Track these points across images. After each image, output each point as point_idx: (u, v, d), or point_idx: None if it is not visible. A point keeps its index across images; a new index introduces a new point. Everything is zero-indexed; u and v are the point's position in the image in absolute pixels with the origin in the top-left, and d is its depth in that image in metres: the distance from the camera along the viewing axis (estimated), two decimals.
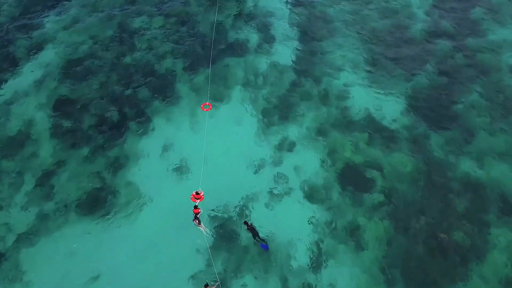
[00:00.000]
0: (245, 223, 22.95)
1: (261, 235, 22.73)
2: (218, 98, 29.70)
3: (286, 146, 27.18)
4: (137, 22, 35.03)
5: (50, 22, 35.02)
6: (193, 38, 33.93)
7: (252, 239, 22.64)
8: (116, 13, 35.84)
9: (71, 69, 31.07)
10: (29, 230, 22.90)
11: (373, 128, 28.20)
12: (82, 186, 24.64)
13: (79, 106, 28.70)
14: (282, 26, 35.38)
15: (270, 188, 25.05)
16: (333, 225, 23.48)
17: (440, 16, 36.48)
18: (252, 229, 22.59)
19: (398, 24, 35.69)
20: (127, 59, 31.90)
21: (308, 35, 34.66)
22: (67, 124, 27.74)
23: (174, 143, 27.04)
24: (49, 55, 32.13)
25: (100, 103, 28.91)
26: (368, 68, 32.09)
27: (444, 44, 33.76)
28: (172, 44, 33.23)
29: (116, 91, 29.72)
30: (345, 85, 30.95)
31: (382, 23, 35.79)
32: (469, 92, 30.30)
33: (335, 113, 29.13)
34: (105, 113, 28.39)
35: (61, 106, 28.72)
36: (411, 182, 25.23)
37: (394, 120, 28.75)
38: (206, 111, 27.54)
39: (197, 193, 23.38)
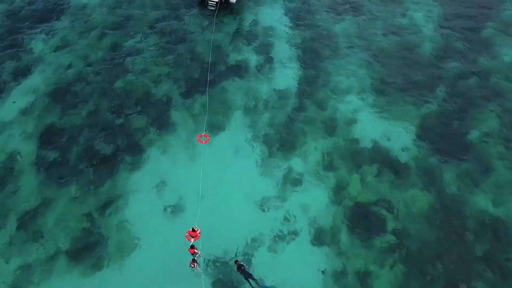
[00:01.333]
0: (236, 262, 21.05)
1: (265, 283, 20.85)
2: (216, 126, 27.78)
3: (291, 180, 25.29)
4: (130, 42, 33.06)
5: (38, 42, 32.97)
6: (189, 59, 31.98)
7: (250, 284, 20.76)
8: (108, 32, 33.85)
9: (60, 95, 29.03)
10: (11, 284, 20.83)
11: (382, 159, 26.36)
12: (70, 230, 22.61)
13: (67, 137, 26.67)
14: (283, 46, 33.52)
15: (274, 229, 23.15)
16: (343, 272, 21.59)
17: (449, 34, 34.76)
18: (243, 272, 20.68)
19: (405, 43, 33.91)
20: (119, 83, 29.91)
21: (310, 56, 32.81)
22: (53, 156, 25.72)
23: (169, 178, 25.07)
24: (36, 79, 30.08)
25: (89, 133, 26.91)
26: (375, 93, 30.27)
27: (454, 65, 32.00)
28: (167, 67, 31.27)
29: (107, 119, 27.72)
30: (351, 111, 29.12)
31: (389, 42, 34.00)
32: (483, 119, 28.56)
33: (341, 142, 27.27)
34: (95, 144, 26.40)
35: (48, 137, 26.69)
36: (425, 222, 23.40)
37: (404, 150, 26.93)
38: (203, 143, 25.62)
39: (193, 230, 21.55)
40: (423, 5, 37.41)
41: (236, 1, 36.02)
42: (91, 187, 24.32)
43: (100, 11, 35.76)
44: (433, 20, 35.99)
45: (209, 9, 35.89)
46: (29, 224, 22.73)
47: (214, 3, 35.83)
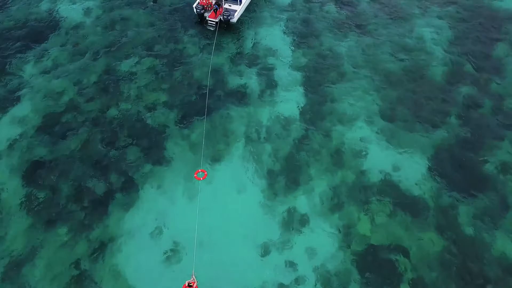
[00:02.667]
0: None
1: None
2: (215, 158, 26.13)
3: (296, 220, 23.63)
4: (124, 65, 31.36)
5: (27, 65, 31.31)
6: (186, 84, 30.31)
7: None
8: (101, 54, 32.16)
9: (49, 124, 27.37)
10: None
11: (393, 195, 24.72)
12: (59, 280, 20.90)
13: (56, 173, 25.00)
14: (285, 68, 31.85)
15: (277, 277, 21.47)
16: None
17: (459, 54, 33.12)
18: None
19: (414, 65, 32.25)
20: (113, 112, 28.22)
21: (314, 79, 31.14)
22: (42, 195, 24.04)
23: (165, 219, 23.41)
24: (25, 107, 28.42)
25: (80, 168, 25.22)
26: (384, 119, 28.61)
27: (466, 90, 30.36)
28: (163, 92, 29.60)
29: (99, 152, 26.04)
30: (358, 140, 27.46)
31: (396, 64, 32.34)
32: (499, 148, 26.93)
33: (349, 176, 25.62)
34: (87, 181, 24.71)
35: (36, 172, 25.03)
36: (442, 269, 21.72)
37: (416, 185, 25.28)
38: (200, 180, 23.98)
39: (189, 285, 19.93)
40: (431, 24, 35.73)
41: (236, 21, 34.36)
42: (82, 229, 22.63)
43: (93, 31, 34.07)
44: (442, 40, 34.30)
45: (208, 29, 34.22)
46: (15, 275, 21.01)
47: (214, 23, 34.16)
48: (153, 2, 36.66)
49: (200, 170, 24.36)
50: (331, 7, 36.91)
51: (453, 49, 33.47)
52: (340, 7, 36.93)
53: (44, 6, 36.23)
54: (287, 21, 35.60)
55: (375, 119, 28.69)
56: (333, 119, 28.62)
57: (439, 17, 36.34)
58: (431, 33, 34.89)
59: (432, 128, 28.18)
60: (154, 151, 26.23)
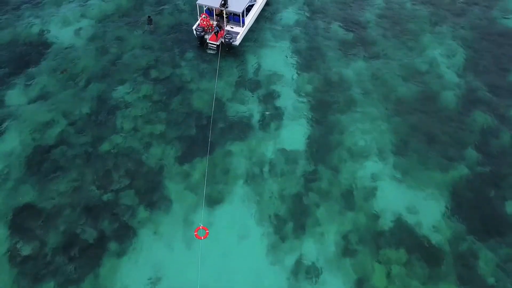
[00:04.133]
0: None
1: None
2: (217, 200, 24.23)
3: (305, 270, 21.74)
4: (119, 93, 29.41)
5: (14, 93, 29.35)
6: (186, 114, 28.40)
7: None
8: (93, 80, 30.20)
9: (37, 162, 25.40)
10: None
11: (409, 242, 22.86)
12: None
13: (44, 219, 23.03)
14: (290, 95, 29.95)
15: None
16: None
17: (474, 77, 31.33)
18: None
19: (427, 90, 30.41)
20: (106, 147, 26.27)
21: (321, 107, 29.26)
22: (27, 249, 21.94)
23: (163, 270, 21.47)
24: (10, 142, 26.45)
25: (70, 214, 23.27)
26: (396, 153, 26.78)
27: (483, 119, 28.54)
28: (160, 124, 27.66)
29: (90, 195, 24.09)
30: (370, 177, 25.60)
31: (408, 89, 30.49)
32: None
33: (361, 219, 23.75)
34: (77, 228, 22.77)
35: (22, 219, 23.04)
36: None
37: (434, 229, 23.42)
38: (201, 239, 22.08)
39: None
40: (443, 44, 33.90)
41: (239, 44, 32.41)
42: (71, 285, 20.70)
43: (86, 54, 32.08)
44: (454, 63, 32.48)
45: (209, 53, 32.24)
46: None
47: (215, 46, 32.18)
48: (148, 23, 34.67)
49: (201, 227, 22.44)
50: (338, 27, 35.03)
51: (466, 73, 31.66)
52: (347, 27, 35.04)
53: (35, 28, 34.20)
54: (291, 42, 33.68)
55: (387, 153, 26.84)
56: (342, 153, 26.74)
57: (451, 38, 34.52)
58: (443, 55, 33.08)
59: (448, 162, 26.34)
60: (151, 192, 24.30)
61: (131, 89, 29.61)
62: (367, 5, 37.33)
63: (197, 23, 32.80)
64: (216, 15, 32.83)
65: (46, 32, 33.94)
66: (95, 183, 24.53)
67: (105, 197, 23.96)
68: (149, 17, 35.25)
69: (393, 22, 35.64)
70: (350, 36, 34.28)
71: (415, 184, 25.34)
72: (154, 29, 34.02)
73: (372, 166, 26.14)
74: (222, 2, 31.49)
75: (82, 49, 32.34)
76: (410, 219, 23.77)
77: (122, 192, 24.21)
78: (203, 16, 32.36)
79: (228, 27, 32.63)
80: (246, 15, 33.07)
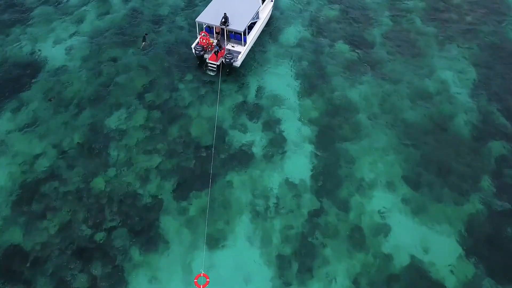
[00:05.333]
0: None
1: None
2: (218, 240, 22.69)
3: None
4: (112, 120, 27.81)
5: (2, 120, 27.72)
6: (184, 143, 26.82)
7: None
8: (86, 105, 28.60)
9: (25, 199, 23.82)
10: None
11: (423, 285, 21.34)
12: None
13: (31, 262, 21.44)
14: (293, 121, 28.39)
15: None
16: None
17: (487, 100, 29.85)
18: None
19: (437, 115, 28.89)
20: (98, 181, 24.67)
21: (326, 134, 27.71)
22: None
23: None
24: None
25: (59, 256, 21.70)
26: (407, 185, 25.26)
27: (499, 145, 27.08)
28: (157, 155, 26.09)
29: (82, 235, 22.51)
30: (380, 213, 24.09)
31: (418, 113, 28.96)
32: None
33: (371, 260, 22.23)
34: (66, 272, 21.19)
35: (8, 261, 21.47)
36: None
37: (449, 270, 21.93)
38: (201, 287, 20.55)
39: None
40: (452, 63, 32.39)
41: (240, 65, 30.84)
42: None
43: (78, 76, 30.47)
44: (466, 83, 30.97)
45: (209, 74, 30.68)
46: None
47: (215, 66, 30.60)
48: (143, 41, 33.11)
49: (201, 275, 20.88)
50: (342, 46, 33.47)
51: (479, 94, 30.16)
52: (352, 46, 33.48)
53: (26, 47, 32.60)
54: (294, 62, 32.11)
55: (397, 185, 25.31)
56: (349, 185, 25.21)
57: (461, 56, 33.01)
58: (454, 75, 31.56)
59: (462, 196, 24.83)
60: (146, 232, 22.73)
61: (125, 116, 28.02)
62: (373, 22, 35.79)
63: (196, 41, 31.22)
64: (216, 32, 31.25)
65: (37, 52, 32.32)
66: (86, 221, 22.94)
67: (97, 237, 22.38)
68: (146, 34, 33.70)
69: (400, 40, 34.10)
70: (355, 55, 32.74)
71: (428, 220, 23.84)
72: (144, 48, 32.40)
73: (381, 200, 24.62)
74: (223, 20, 29.92)
75: (74, 71, 30.73)
76: (423, 259, 22.28)
77: (115, 231, 22.65)
78: (202, 34, 30.80)
79: (229, 46, 31.01)
80: (248, 33, 31.46)
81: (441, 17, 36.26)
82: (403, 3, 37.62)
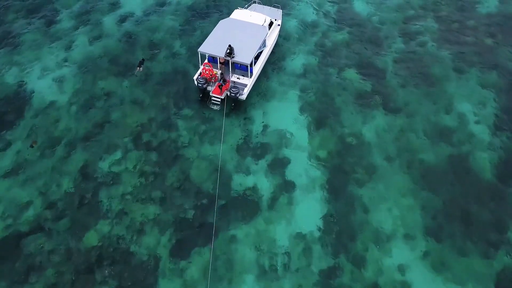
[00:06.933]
0: None
1: None
2: None
3: None
4: (105, 164, 25.51)
5: None
6: (183, 190, 24.54)
7: None
8: (76, 146, 26.29)
9: (8, 259, 21.51)
10: None
11: None
12: None
13: None
14: (302, 163, 26.14)
15: None
16: None
17: (510, 134, 27.58)
18: None
19: (457, 154, 26.71)
20: (89, 237, 22.38)
21: (339, 178, 25.49)
22: None
23: None
24: None
25: None
26: (428, 237, 23.07)
27: None
28: (153, 205, 23.81)
29: None
30: (399, 269, 21.90)
31: (436, 153, 26.76)
32: None
33: None
34: None
35: None
36: None
37: None
38: None
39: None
40: (470, 93, 30.23)
41: (246, 98, 28.52)
42: None
43: (69, 113, 28.15)
44: (486, 117, 28.77)
45: (212, 108, 28.35)
46: None
47: (219, 101, 28.28)
48: (139, 65, 30.88)
49: None
50: (352, 74, 31.23)
51: (501, 129, 27.99)
52: (362, 74, 31.24)
53: (11, 78, 30.28)
54: (301, 93, 29.84)
55: (417, 237, 23.11)
56: (364, 238, 22.98)
57: (480, 84, 30.86)
58: (472, 107, 29.40)
59: (489, 248, 22.66)
60: None
61: (118, 158, 25.73)
62: (384, 46, 33.57)
63: (199, 72, 28.88)
64: (220, 62, 28.79)
65: (24, 83, 29.99)
66: (74, 285, 20.62)
67: None
68: (142, 59, 31.47)
69: (414, 67, 31.87)
70: (367, 85, 30.48)
71: (452, 277, 21.68)
72: (138, 75, 30.18)
73: (400, 254, 22.42)
74: (228, 51, 27.62)
75: (63, 106, 28.41)
76: None
77: None
78: (205, 65, 28.44)
79: (234, 78, 28.63)
80: (255, 64, 29.07)
81: (456, 40, 34.04)
82: (415, 25, 35.40)
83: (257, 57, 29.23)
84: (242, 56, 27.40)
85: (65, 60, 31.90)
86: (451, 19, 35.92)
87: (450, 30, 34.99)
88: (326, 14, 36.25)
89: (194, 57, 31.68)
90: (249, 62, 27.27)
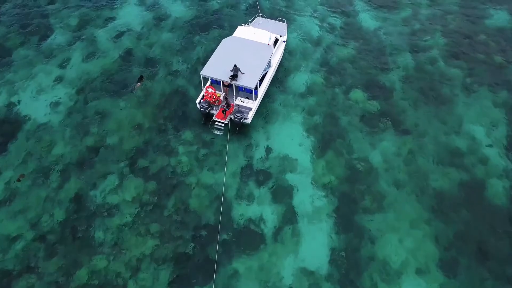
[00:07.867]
0: None
1: None
2: None
3: None
4: (99, 193, 24.22)
5: None
6: (182, 222, 23.25)
7: None
8: (69, 174, 24.99)
9: None
10: None
11: None
12: None
13: None
14: (307, 190, 24.88)
15: None
16: None
17: None
18: None
19: (470, 180, 25.49)
20: (82, 274, 21.08)
21: (346, 207, 24.24)
22: None
23: None
24: None
25: None
26: (442, 272, 21.83)
27: None
28: (151, 238, 22.51)
29: None
30: None
31: (447, 178, 25.52)
32: None
33: None
34: None
35: None
36: None
37: None
38: None
39: None
40: (482, 113, 28.98)
41: (250, 121, 27.18)
42: None
43: (62, 136, 26.86)
44: (499, 137, 27.58)
45: (215, 133, 26.96)
46: None
47: (222, 126, 26.92)
48: (137, 81, 29.62)
49: None
50: (358, 94, 29.95)
51: None
52: (369, 94, 29.98)
53: (2, 98, 28.97)
54: (305, 115, 28.54)
55: (430, 271, 21.86)
56: (373, 272, 21.72)
57: (492, 104, 29.63)
58: (484, 129, 28.15)
59: (507, 285, 21.36)
60: None
61: (114, 186, 24.43)
62: (390, 63, 32.30)
63: (201, 95, 27.55)
64: (224, 85, 27.34)
65: (15, 104, 28.70)
66: None
67: None
68: (141, 76, 30.23)
69: (423, 85, 30.61)
70: (374, 105, 29.22)
71: None
72: (137, 92, 28.96)
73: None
74: (233, 73, 26.34)
75: (57, 129, 27.11)
76: None
77: None
78: (208, 89, 27.05)
79: (237, 101, 27.28)
80: (259, 86, 27.77)
81: (466, 57, 32.78)
82: (422, 41, 34.14)
83: (262, 78, 27.93)
84: (247, 79, 26.14)
85: (59, 79, 30.58)
86: (459, 33, 34.69)
87: (459, 45, 33.73)
88: (330, 29, 34.98)
89: (194, 75, 30.44)
90: (254, 86, 25.99)
